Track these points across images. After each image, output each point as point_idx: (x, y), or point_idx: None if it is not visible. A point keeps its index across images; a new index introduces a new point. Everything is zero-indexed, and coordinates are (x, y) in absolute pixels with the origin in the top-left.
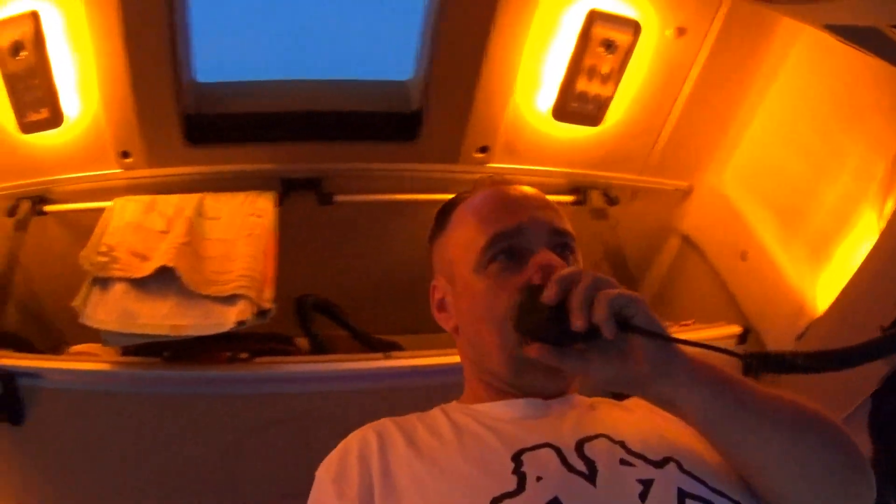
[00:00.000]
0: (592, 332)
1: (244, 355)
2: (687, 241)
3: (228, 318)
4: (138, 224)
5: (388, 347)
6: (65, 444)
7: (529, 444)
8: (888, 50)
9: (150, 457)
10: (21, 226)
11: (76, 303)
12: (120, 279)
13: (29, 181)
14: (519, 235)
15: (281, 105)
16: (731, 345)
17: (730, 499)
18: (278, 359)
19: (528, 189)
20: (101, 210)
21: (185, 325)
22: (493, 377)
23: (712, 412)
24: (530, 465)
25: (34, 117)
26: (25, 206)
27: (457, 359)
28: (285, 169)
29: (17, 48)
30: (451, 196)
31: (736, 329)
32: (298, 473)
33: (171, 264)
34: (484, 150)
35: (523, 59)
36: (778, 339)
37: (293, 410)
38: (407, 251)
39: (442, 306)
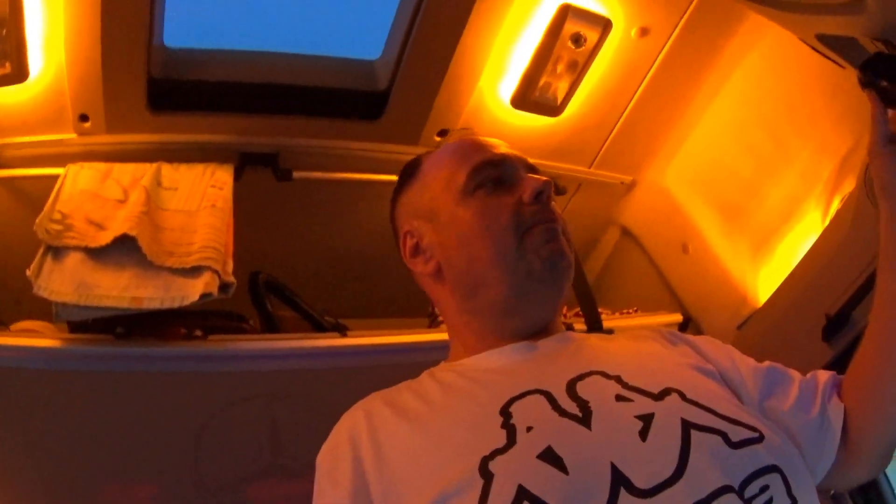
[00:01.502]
0: None
1: (199, 332)
2: (627, 232)
3: (193, 290)
4: (94, 192)
5: (337, 329)
6: (12, 426)
7: (518, 393)
8: (858, 58)
9: (104, 437)
10: None
11: (30, 272)
12: (76, 248)
13: None
14: (502, 165)
15: (246, 76)
16: None
17: (745, 425)
18: (234, 336)
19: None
20: (52, 178)
21: (146, 298)
22: (487, 309)
23: None
24: (519, 415)
25: None
26: None
27: (410, 338)
28: (244, 142)
29: None
30: None
31: (677, 317)
32: (260, 453)
33: (131, 233)
34: (443, 133)
35: (494, 46)
36: (718, 328)
37: (250, 389)
38: (362, 233)
39: (417, 250)
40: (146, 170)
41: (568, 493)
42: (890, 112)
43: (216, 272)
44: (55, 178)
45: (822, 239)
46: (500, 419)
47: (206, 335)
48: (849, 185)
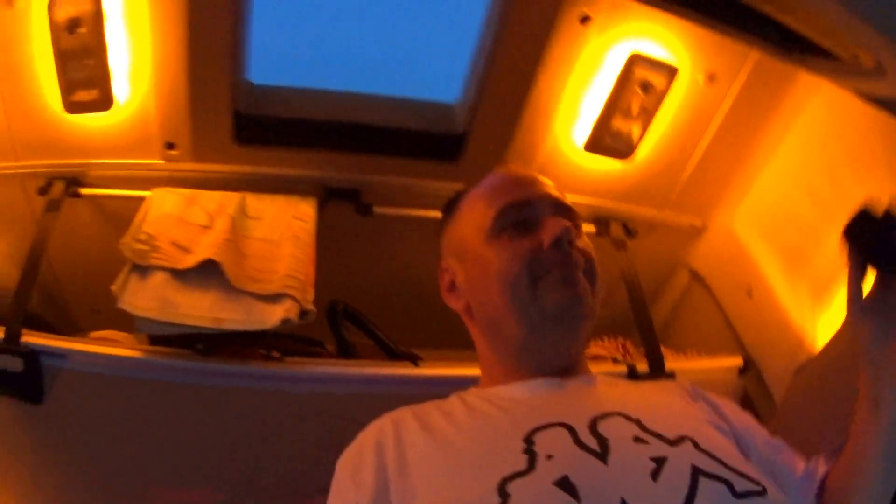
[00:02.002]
0: None
1: (276, 354)
2: (695, 275)
3: (273, 315)
4: (179, 217)
5: (410, 358)
6: (83, 427)
7: (542, 424)
8: None
9: (170, 446)
10: (53, 206)
11: (115, 287)
12: (160, 268)
13: (66, 161)
14: (527, 207)
15: (330, 114)
16: (732, 376)
17: (750, 479)
18: (310, 360)
19: (530, 172)
20: (136, 199)
21: (227, 319)
22: (507, 347)
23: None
24: (542, 444)
25: (82, 97)
26: (59, 187)
27: (478, 371)
28: (327, 177)
29: (74, 25)
30: None
31: (737, 361)
32: (319, 472)
33: (216, 258)
34: None
35: (566, 92)
36: (777, 373)
37: (320, 411)
38: (437, 267)
39: (452, 287)
40: (232, 198)
41: None
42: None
43: (296, 300)
44: (139, 199)
45: None
46: (523, 445)
47: (283, 357)
48: None
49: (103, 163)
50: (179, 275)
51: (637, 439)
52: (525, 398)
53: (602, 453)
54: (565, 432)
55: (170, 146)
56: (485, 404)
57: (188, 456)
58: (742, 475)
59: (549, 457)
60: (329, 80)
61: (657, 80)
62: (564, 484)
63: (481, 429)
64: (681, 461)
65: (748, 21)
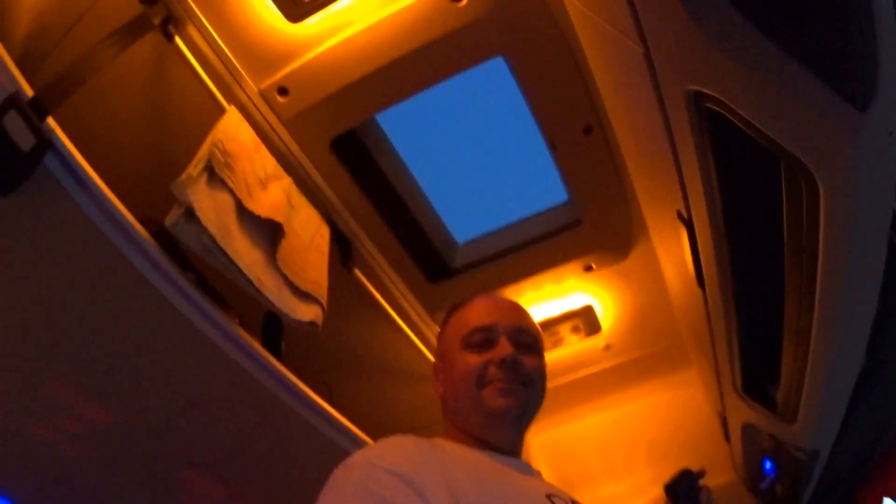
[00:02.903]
0: None
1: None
2: None
3: (303, 312)
4: (249, 156)
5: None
6: (26, 252)
7: (551, 491)
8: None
9: (93, 336)
10: (137, 28)
11: (191, 171)
12: (230, 192)
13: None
14: (491, 331)
15: None
16: None
17: None
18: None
19: (505, 297)
20: (207, 93)
21: (267, 286)
22: (467, 429)
23: None
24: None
25: None
26: (161, 13)
27: None
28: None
29: None
30: None
31: None
32: (219, 448)
33: (283, 224)
34: None
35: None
36: None
37: (241, 385)
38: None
39: (436, 378)
40: (283, 174)
41: None
42: None
43: (323, 309)
44: (212, 98)
45: None
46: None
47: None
48: None
49: (216, 40)
50: (243, 213)
51: None
52: (518, 472)
53: None
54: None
55: (282, 91)
56: (489, 460)
57: (109, 356)
58: None
59: None
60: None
61: (584, 331)
62: None
63: (509, 481)
64: None
65: None
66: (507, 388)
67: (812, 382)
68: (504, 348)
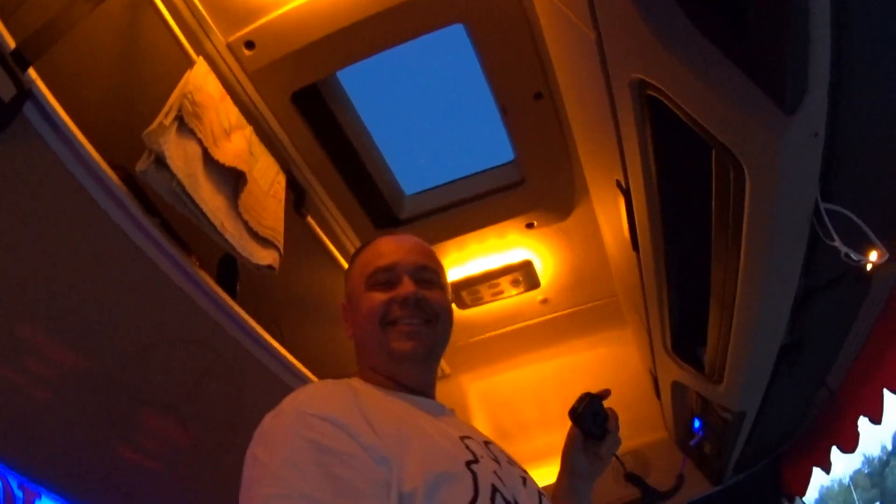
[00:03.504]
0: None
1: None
2: None
3: (262, 257)
4: (214, 106)
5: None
6: (11, 196)
7: (465, 432)
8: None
9: (63, 282)
10: None
11: (163, 120)
12: (198, 140)
13: None
14: (392, 270)
15: None
16: None
17: None
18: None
19: (407, 236)
20: (178, 44)
21: (229, 232)
22: (377, 369)
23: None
24: (471, 444)
25: None
26: None
27: None
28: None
29: None
30: None
31: None
32: (178, 389)
33: (246, 172)
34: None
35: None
36: None
37: (207, 335)
38: None
39: (346, 319)
40: (245, 125)
41: None
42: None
43: (280, 254)
44: (180, 49)
45: None
46: (462, 443)
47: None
48: None
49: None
50: (209, 162)
51: (509, 461)
52: (429, 413)
53: (499, 463)
54: (477, 443)
55: (249, 45)
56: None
57: (72, 297)
58: None
59: (482, 455)
60: None
61: (524, 285)
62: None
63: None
64: (532, 480)
65: None
66: (411, 330)
67: (735, 349)
68: (406, 286)
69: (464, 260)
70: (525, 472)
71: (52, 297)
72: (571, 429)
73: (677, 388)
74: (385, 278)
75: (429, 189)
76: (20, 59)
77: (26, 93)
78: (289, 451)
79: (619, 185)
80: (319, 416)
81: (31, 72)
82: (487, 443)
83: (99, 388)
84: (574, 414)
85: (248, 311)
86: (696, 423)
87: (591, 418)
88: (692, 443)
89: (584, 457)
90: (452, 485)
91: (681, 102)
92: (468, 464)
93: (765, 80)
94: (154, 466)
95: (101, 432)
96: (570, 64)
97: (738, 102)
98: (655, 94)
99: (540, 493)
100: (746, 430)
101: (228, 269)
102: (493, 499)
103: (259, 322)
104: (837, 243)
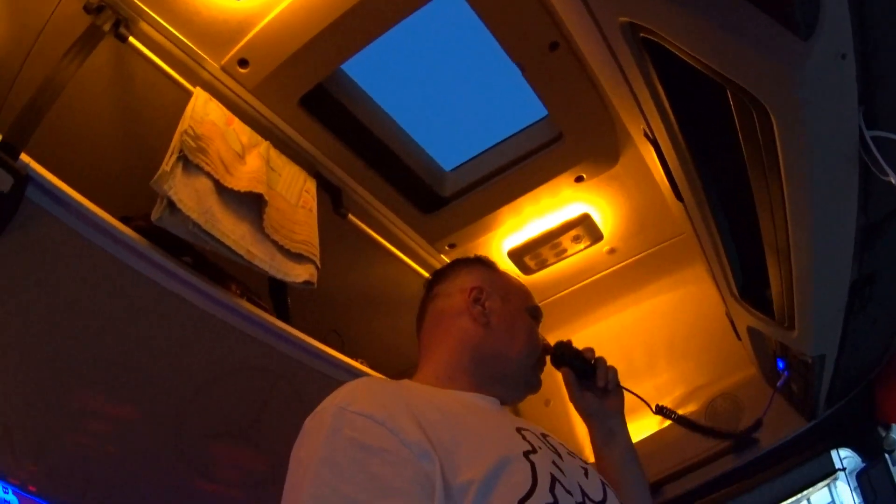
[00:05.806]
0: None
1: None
2: None
3: (297, 273)
4: (221, 132)
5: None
6: (35, 280)
7: (520, 424)
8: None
9: (111, 341)
10: (91, 37)
11: (166, 165)
12: (208, 175)
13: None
14: (540, 315)
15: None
16: None
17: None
18: (261, 311)
19: None
20: (170, 80)
21: (258, 257)
22: (488, 372)
23: (623, 445)
24: (528, 436)
25: None
26: (110, 18)
27: None
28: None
29: None
30: None
31: None
32: (242, 418)
33: (264, 195)
34: (452, 245)
35: (524, 213)
36: None
37: (263, 361)
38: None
39: (478, 300)
40: (259, 141)
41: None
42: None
43: (317, 267)
44: (175, 83)
45: (651, 439)
46: (519, 435)
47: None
48: (692, 406)
49: (169, 30)
50: (224, 192)
51: (569, 452)
52: (487, 407)
53: (559, 454)
54: (533, 434)
55: (242, 63)
56: (455, 403)
57: (122, 357)
58: None
59: (540, 446)
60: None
61: (586, 239)
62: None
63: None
64: (593, 470)
65: None
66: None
67: (800, 295)
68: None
69: (520, 225)
70: (586, 462)
71: (101, 360)
72: (563, 379)
73: (753, 332)
74: (537, 318)
75: (467, 161)
76: (9, 148)
77: (24, 179)
78: (328, 449)
79: (646, 134)
80: (359, 412)
81: (24, 157)
82: (545, 435)
83: (165, 431)
84: (555, 357)
85: (307, 322)
86: (780, 364)
87: (571, 357)
88: (779, 384)
89: (590, 395)
90: (511, 475)
91: (676, 41)
92: (526, 454)
93: (769, 3)
94: (235, 495)
95: (175, 472)
96: (566, 10)
97: (742, 34)
98: (649, 36)
99: (603, 482)
100: (830, 369)
101: (278, 285)
102: (552, 489)
103: (319, 330)
104: (890, 175)
